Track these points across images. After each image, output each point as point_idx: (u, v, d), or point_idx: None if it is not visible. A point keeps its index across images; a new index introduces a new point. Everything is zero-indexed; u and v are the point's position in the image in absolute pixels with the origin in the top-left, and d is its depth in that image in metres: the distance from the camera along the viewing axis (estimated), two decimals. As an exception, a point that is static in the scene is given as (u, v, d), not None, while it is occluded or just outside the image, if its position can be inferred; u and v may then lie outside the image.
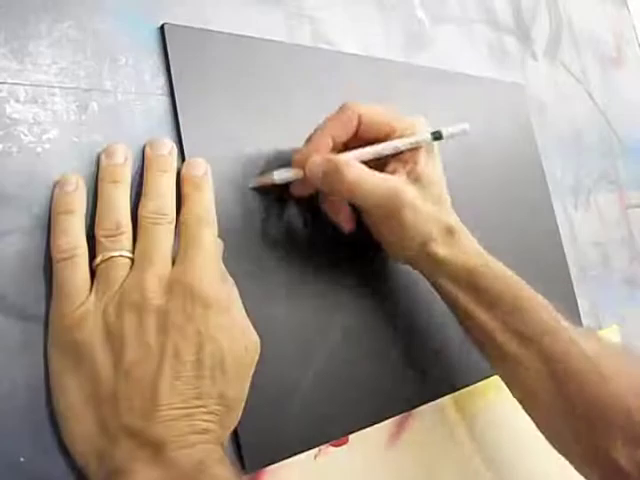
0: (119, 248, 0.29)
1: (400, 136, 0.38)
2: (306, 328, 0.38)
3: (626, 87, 0.85)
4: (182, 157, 0.34)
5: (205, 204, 0.32)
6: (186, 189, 0.32)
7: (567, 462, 0.38)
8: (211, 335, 0.29)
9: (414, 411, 0.43)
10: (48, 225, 0.29)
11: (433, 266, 0.39)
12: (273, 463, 0.34)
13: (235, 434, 0.33)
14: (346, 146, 0.38)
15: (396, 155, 0.38)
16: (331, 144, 0.37)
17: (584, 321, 0.61)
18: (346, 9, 0.48)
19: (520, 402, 0.39)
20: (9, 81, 0.29)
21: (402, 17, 0.53)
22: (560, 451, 0.38)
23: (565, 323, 0.38)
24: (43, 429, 0.27)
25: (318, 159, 0.36)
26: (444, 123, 0.41)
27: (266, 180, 0.37)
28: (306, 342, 0.37)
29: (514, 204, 0.57)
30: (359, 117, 0.37)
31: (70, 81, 0.31)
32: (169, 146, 0.33)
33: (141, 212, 0.30)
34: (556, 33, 0.74)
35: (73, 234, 0.29)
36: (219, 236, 0.32)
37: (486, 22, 0.63)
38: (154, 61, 0.35)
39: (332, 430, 0.38)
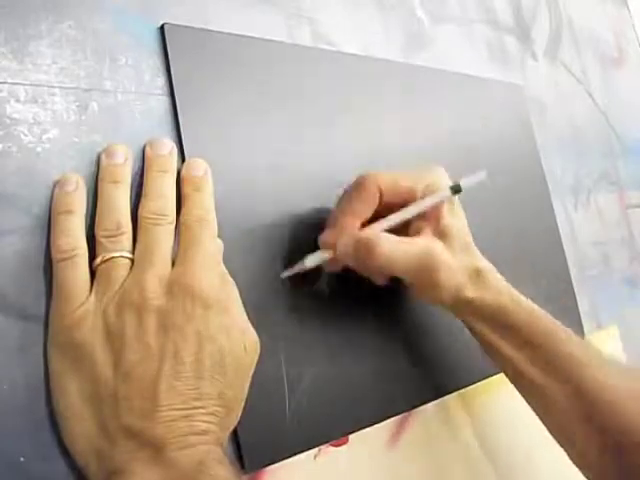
0: (119, 249, 0.29)
1: (422, 196, 0.38)
2: (307, 327, 0.38)
3: (626, 87, 0.85)
4: (182, 157, 0.34)
5: (205, 204, 0.32)
6: (186, 189, 0.32)
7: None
8: (211, 336, 0.29)
9: (415, 411, 0.43)
10: (48, 225, 0.29)
11: (463, 308, 0.39)
12: (273, 463, 0.34)
13: (235, 434, 0.33)
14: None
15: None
16: (357, 223, 0.37)
17: (584, 321, 0.61)
18: (346, 9, 0.48)
19: (552, 433, 0.39)
20: (9, 81, 0.29)
21: (402, 17, 0.53)
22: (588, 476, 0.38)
23: (593, 354, 0.39)
24: (43, 429, 0.27)
25: (347, 239, 0.36)
26: (445, 123, 0.41)
27: (298, 268, 0.37)
28: (306, 341, 0.37)
29: (514, 204, 0.57)
30: (379, 190, 0.37)
31: (70, 81, 0.31)
32: (169, 146, 0.33)
33: (141, 213, 0.30)
34: (556, 33, 0.74)
35: (73, 234, 0.28)
36: (219, 236, 0.32)
37: (486, 22, 0.63)
38: (154, 61, 0.35)
39: (332, 430, 0.38)
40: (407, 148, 0.48)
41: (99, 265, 0.29)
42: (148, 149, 0.32)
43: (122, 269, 0.29)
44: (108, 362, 0.27)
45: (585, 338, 0.59)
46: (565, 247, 0.62)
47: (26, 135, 0.29)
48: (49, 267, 0.29)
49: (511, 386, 0.40)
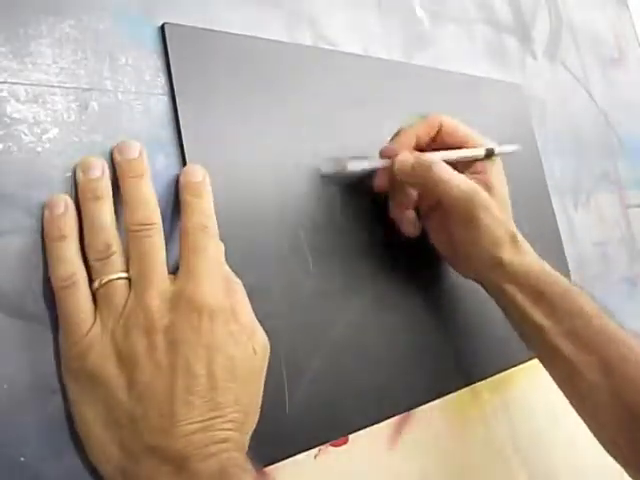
0: (115, 270, 0.28)
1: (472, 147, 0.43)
2: (307, 327, 0.38)
3: (626, 87, 0.85)
4: (182, 157, 0.34)
5: (205, 211, 0.31)
6: (185, 196, 0.31)
7: (599, 449, 0.39)
8: (219, 346, 0.28)
9: (415, 410, 0.43)
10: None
11: (498, 271, 0.40)
12: (273, 463, 0.34)
13: (235, 434, 0.33)
14: (423, 150, 0.42)
15: (469, 165, 0.42)
16: (414, 142, 0.42)
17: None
18: (346, 9, 0.48)
19: (573, 405, 0.40)
20: (9, 81, 0.29)
21: (402, 17, 0.53)
22: (614, 454, 0.38)
23: (621, 329, 0.39)
24: (43, 429, 0.27)
25: (408, 154, 0.40)
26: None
27: (338, 168, 0.39)
28: (307, 341, 0.37)
29: (514, 204, 0.56)
30: (440, 123, 0.43)
31: (70, 81, 0.31)
32: (138, 147, 0.31)
33: (127, 225, 0.29)
34: (556, 33, 0.74)
35: (69, 260, 0.28)
36: (220, 237, 0.32)
37: (486, 22, 0.63)
38: (154, 61, 0.35)
39: (332, 430, 0.38)
40: (407, 148, 0.48)
41: (97, 289, 0.28)
42: (116, 155, 0.31)
43: (121, 290, 0.28)
44: (121, 385, 0.27)
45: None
46: (565, 247, 0.62)
47: (26, 135, 0.29)
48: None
49: (510, 386, 0.40)
